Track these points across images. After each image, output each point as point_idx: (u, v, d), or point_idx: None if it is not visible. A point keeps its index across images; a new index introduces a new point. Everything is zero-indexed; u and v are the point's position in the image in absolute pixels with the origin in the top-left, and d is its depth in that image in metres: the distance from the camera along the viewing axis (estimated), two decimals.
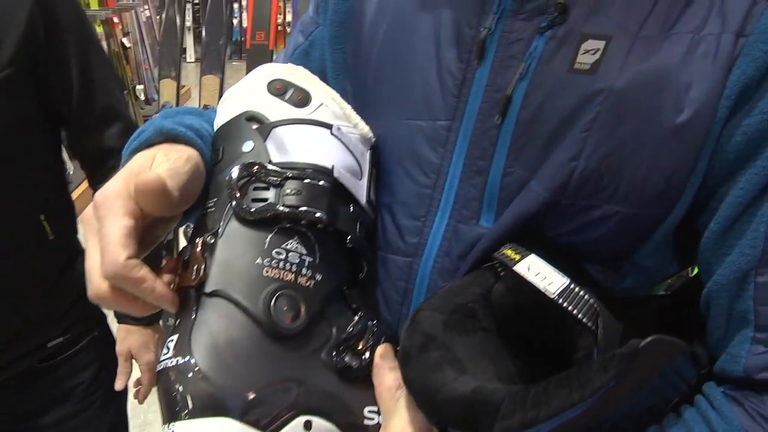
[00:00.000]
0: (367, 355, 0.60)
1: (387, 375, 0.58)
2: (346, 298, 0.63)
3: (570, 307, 0.49)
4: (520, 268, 0.52)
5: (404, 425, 0.56)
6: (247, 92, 0.65)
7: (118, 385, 1.30)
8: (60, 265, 1.15)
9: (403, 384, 0.57)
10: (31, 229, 1.08)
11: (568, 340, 0.51)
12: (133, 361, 1.33)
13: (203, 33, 2.98)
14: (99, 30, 4.24)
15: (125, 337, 1.31)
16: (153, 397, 1.30)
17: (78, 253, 1.21)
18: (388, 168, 0.66)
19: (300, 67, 0.67)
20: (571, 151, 0.55)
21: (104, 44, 4.22)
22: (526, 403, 0.47)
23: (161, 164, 0.54)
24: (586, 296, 0.50)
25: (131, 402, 1.42)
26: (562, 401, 0.47)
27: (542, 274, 0.51)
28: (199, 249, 0.58)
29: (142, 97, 5.01)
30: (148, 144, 0.58)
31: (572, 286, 0.50)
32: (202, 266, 0.57)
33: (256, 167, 0.58)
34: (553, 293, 0.50)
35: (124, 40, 4.69)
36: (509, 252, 0.55)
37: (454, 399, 0.49)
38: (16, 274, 1.07)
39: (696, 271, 0.65)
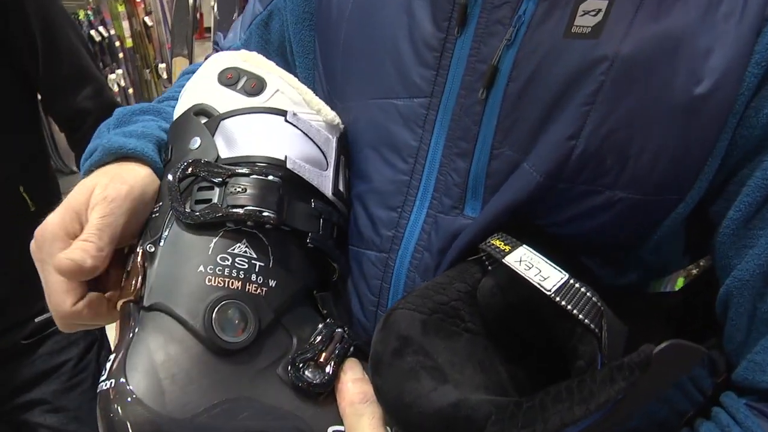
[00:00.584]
0: (331, 368, 0.53)
1: (351, 388, 0.51)
2: (316, 303, 0.57)
3: (569, 306, 0.42)
4: (511, 260, 0.45)
5: None
6: (198, 85, 0.60)
7: None
8: None
9: (368, 398, 0.51)
10: (10, 201, 1.06)
11: (568, 344, 0.43)
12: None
13: (215, 10, 2.92)
14: (121, 9, 4.12)
15: None
16: None
17: None
18: (361, 154, 0.59)
19: (254, 54, 0.61)
20: (569, 129, 0.47)
21: (126, 23, 4.13)
22: (518, 421, 0.40)
23: (96, 207, 0.51)
24: (588, 293, 0.42)
25: None
26: (562, 418, 0.39)
27: (536, 268, 0.44)
28: (139, 259, 0.52)
29: (165, 76, 4.93)
30: (99, 164, 0.56)
31: (572, 281, 0.43)
32: (139, 278, 0.51)
33: (197, 166, 0.53)
34: (550, 290, 0.42)
35: (147, 19, 4.59)
36: (498, 242, 0.47)
37: (431, 414, 0.41)
38: (2, 239, 1.05)
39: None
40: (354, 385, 0.51)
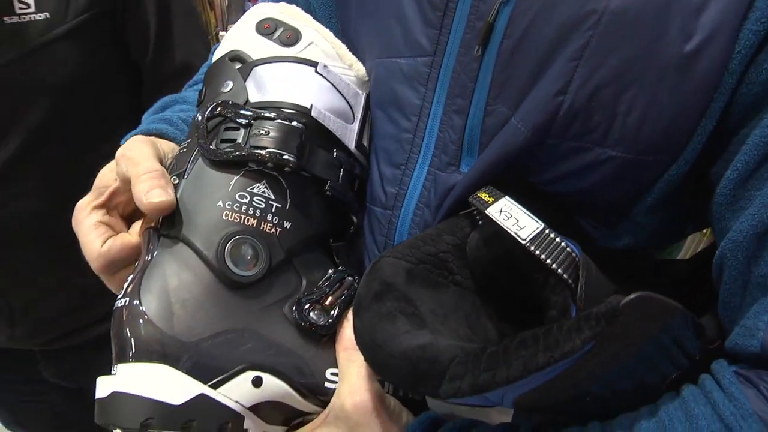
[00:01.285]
0: (336, 312, 0.54)
1: (348, 335, 0.53)
2: (331, 252, 0.58)
3: (543, 256, 0.42)
4: (492, 211, 0.45)
5: (351, 390, 0.51)
6: (236, 33, 0.62)
7: None
8: None
9: None
10: None
11: (542, 294, 0.44)
12: None
13: None
14: None
15: None
16: None
17: None
18: (372, 111, 0.60)
19: (293, 6, 0.63)
20: (557, 84, 0.47)
21: None
22: (480, 364, 0.40)
23: (124, 162, 0.56)
24: (562, 244, 0.42)
25: None
26: (525, 363, 0.40)
27: (514, 218, 0.44)
28: None
29: None
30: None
31: (547, 231, 0.43)
32: None
33: (225, 107, 0.55)
34: (525, 239, 0.43)
35: None
36: (483, 195, 0.48)
37: (398, 354, 0.42)
38: None
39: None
40: (351, 332, 0.53)
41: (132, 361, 0.50)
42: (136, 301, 0.50)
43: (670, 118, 0.45)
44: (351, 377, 0.52)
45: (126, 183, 0.55)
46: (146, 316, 0.50)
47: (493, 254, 0.49)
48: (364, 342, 0.45)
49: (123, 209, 0.60)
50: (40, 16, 0.87)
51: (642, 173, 0.48)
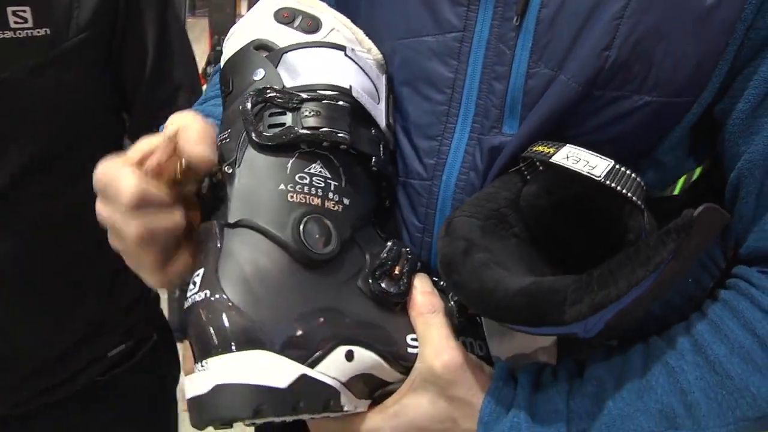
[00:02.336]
0: (405, 280, 0.57)
1: (421, 300, 0.56)
2: (375, 226, 0.61)
3: (619, 188, 0.47)
4: (559, 158, 0.50)
5: (436, 352, 0.54)
6: (253, 23, 0.62)
7: None
8: (115, 262, 1.07)
9: (436, 309, 0.56)
10: (85, 229, 0.96)
11: (618, 222, 0.49)
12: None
13: None
14: None
15: None
16: None
17: None
18: (397, 90, 0.62)
19: None
20: (603, 41, 0.52)
21: None
22: (593, 286, 0.45)
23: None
24: (633, 175, 0.48)
25: None
26: (628, 279, 0.45)
27: (584, 160, 0.49)
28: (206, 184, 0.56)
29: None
30: None
31: (617, 166, 0.48)
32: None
33: (270, 92, 0.55)
34: (599, 176, 0.48)
35: None
36: (541, 148, 0.53)
37: (516, 292, 0.46)
38: (74, 270, 0.99)
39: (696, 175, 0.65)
40: (423, 297, 0.56)
41: (225, 352, 0.50)
42: (218, 293, 0.50)
43: (695, 63, 0.52)
44: (432, 340, 0.55)
45: (170, 141, 0.53)
46: (231, 305, 0.50)
47: (552, 201, 0.54)
48: (472, 292, 0.49)
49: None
50: (39, 32, 0.80)
51: (670, 114, 0.54)
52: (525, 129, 0.56)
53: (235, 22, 0.66)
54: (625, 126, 0.55)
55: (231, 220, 0.53)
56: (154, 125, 1.07)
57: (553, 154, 0.51)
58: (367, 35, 0.64)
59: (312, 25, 0.60)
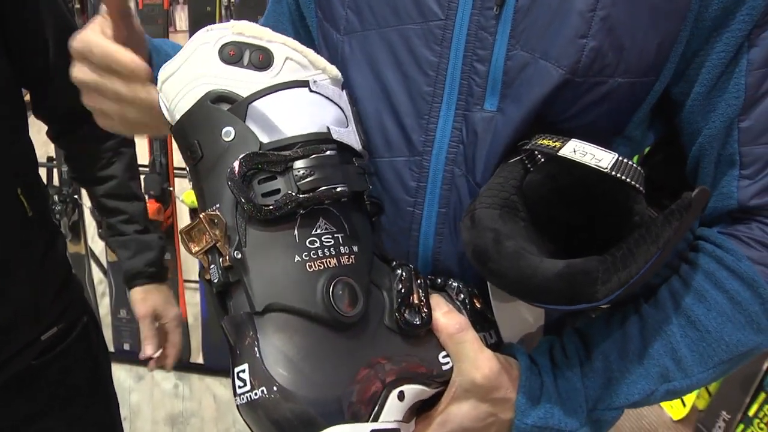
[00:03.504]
0: (425, 307, 0.60)
1: (446, 322, 0.61)
2: (375, 249, 0.63)
3: (625, 177, 0.54)
4: (566, 152, 0.57)
5: (475, 366, 0.60)
6: (198, 65, 0.57)
7: (149, 351, 1.24)
8: (43, 245, 1.06)
9: (463, 327, 0.61)
10: (9, 205, 0.97)
11: (624, 207, 0.56)
12: None
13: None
14: None
15: (144, 298, 1.24)
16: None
17: (57, 233, 1.13)
18: (383, 73, 0.66)
19: (245, 23, 0.59)
20: (579, 29, 0.59)
21: None
22: (618, 265, 0.52)
23: None
24: (634, 165, 0.55)
25: None
26: (645, 256, 0.53)
27: (590, 154, 0.56)
28: (205, 223, 0.55)
29: None
30: None
31: (620, 158, 0.55)
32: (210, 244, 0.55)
33: (254, 159, 0.53)
34: (606, 168, 0.55)
35: None
36: (546, 142, 0.59)
37: (553, 276, 0.53)
38: (2, 253, 0.97)
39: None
40: (447, 318, 0.61)
41: None
42: (272, 385, 0.52)
43: (656, 47, 0.60)
44: (468, 355, 0.61)
45: None
46: (288, 392, 0.52)
47: (557, 189, 0.60)
48: (511, 279, 0.54)
49: None
50: None
51: (639, 93, 0.62)
52: (517, 113, 0.62)
53: (167, 35, 0.65)
54: (603, 107, 0.62)
55: (259, 308, 0.53)
56: (62, 98, 1.07)
57: (560, 148, 0.57)
58: (349, 24, 0.66)
59: (264, 59, 0.57)
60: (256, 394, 0.52)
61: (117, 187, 1.22)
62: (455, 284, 0.66)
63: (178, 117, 0.58)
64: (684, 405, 1.98)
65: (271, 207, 0.53)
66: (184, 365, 2.64)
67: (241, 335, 0.54)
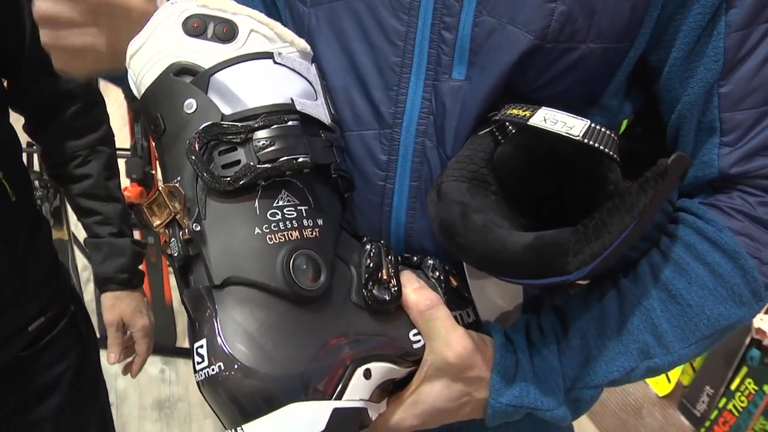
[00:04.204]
0: (394, 282, 0.59)
1: (416, 298, 0.59)
2: (344, 226, 0.61)
3: (597, 145, 0.52)
4: (536, 121, 0.54)
5: (446, 345, 0.58)
6: (161, 38, 0.56)
7: (111, 359, 1.22)
8: (27, 232, 1.04)
9: (434, 304, 0.59)
10: None
11: (597, 175, 0.55)
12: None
13: None
14: None
15: (113, 304, 1.22)
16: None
17: (42, 220, 1.11)
18: (350, 45, 0.64)
19: None
20: None
21: None
22: (590, 236, 0.50)
23: None
24: (608, 132, 0.53)
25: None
26: (618, 226, 0.51)
27: (561, 122, 0.54)
28: (164, 194, 0.54)
29: None
30: None
31: (593, 125, 0.53)
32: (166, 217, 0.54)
33: (213, 131, 0.52)
34: (578, 136, 0.52)
35: None
36: (516, 111, 0.56)
37: (522, 249, 0.51)
38: None
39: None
40: (417, 294, 0.59)
41: (259, 416, 0.50)
42: (230, 361, 0.50)
43: (629, 11, 0.57)
44: (439, 333, 0.59)
45: None
46: (249, 368, 0.50)
47: (528, 160, 0.58)
48: (478, 254, 0.52)
49: None
50: None
51: (613, 60, 0.60)
52: (485, 81, 0.59)
53: None
54: (575, 75, 0.60)
55: (217, 281, 0.52)
56: (41, 87, 1.07)
57: (530, 117, 0.55)
58: None
59: (228, 31, 0.55)
60: (213, 370, 0.51)
61: (92, 187, 1.20)
62: (431, 262, 0.64)
63: (143, 91, 0.57)
64: (669, 381, 1.98)
65: (229, 178, 0.52)
66: (169, 350, 2.63)
67: (200, 309, 0.53)
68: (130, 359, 1.29)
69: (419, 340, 0.60)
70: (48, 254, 1.12)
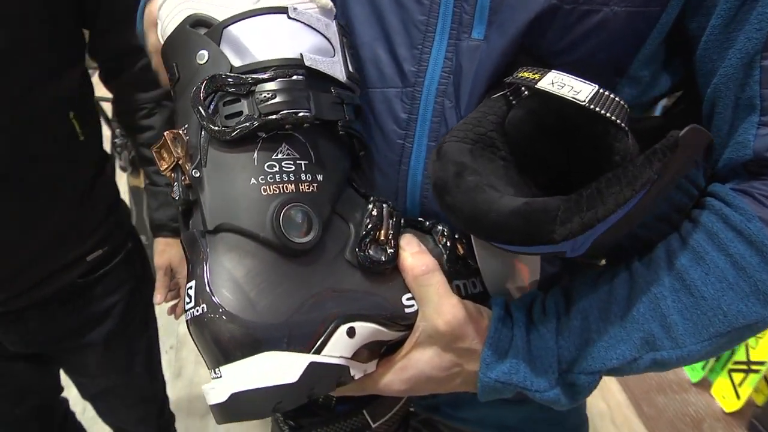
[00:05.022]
0: (392, 244, 0.58)
1: (413, 262, 0.58)
2: (353, 184, 0.61)
3: (603, 111, 0.49)
4: (544, 84, 0.52)
5: (437, 312, 0.57)
6: None
7: (158, 299, 1.29)
8: (92, 170, 1.13)
9: (430, 269, 0.57)
10: (61, 126, 1.03)
11: (603, 144, 0.51)
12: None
13: None
14: None
15: (164, 249, 1.29)
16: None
17: (107, 159, 1.20)
18: (380, 3, 0.63)
19: None
20: None
21: None
22: (582, 205, 0.48)
23: None
24: (616, 99, 0.50)
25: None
26: (616, 198, 0.47)
27: (568, 86, 0.51)
28: (168, 140, 0.55)
29: None
30: None
31: (601, 90, 0.50)
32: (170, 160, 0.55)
33: (218, 81, 0.53)
34: (584, 101, 0.50)
35: None
36: (526, 74, 0.54)
37: (509, 213, 0.48)
38: (52, 177, 1.03)
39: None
40: (415, 259, 0.58)
41: (235, 360, 0.51)
42: (214, 304, 0.51)
43: None
44: (431, 299, 0.57)
45: None
46: (231, 313, 0.51)
47: (539, 125, 0.56)
48: (465, 214, 0.51)
49: None
50: None
51: (640, 25, 0.56)
52: (500, 40, 0.57)
53: None
54: (598, 40, 0.56)
55: (210, 226, 0.53)
56: (113, 40, 1.13)
57: (539, 80, 0.52)
58: None
59: None
60: (198, 311, 0.52)
61: (154, 138, 1.25)
62: (440, 227, 0.63)
63: (164, 40, 0.59)
64: (738, 397, 1.87)
65: (228, 128, 0.53)
66: None
67: (194, 252, 0.54)
68: (176, 301, 1.36)
69: (412, 305, 0.58)
70: (109, 194, 1.19)
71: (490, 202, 0.50)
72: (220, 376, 0.52)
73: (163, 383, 1.51)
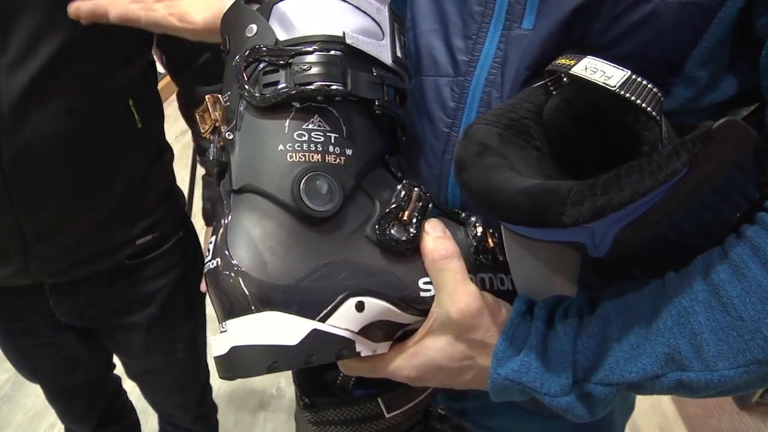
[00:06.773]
0: (416, 225, 0.58)
1: (433, 246, 0.57)
2: (390, 168, 0.61)
3: (633, 97, 0.47)
4: (578, 70, 0.50)
5: (452, 299, 0.55)
6: None
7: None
8: (149, 156, 1.17)
9: (449, 254, 0.56)
10: (120, 112, 1.08)
11: (633, 133, 0.49)
12: None
13: None
14: None
15: None
16: None
17: (165, 148, 1.23)
18: None
19: None
20: None
21: None
22: (597, 190, 0.45)
23: None
24: (649, 85, 0.47)
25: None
26: (635, 187, 0.44)
27: (600, 71, 0.49)
28: (209, 104, 0.59)
29: None
30: None
31: (633, 76, 0.48)
32: (212, 122, 0.59)
33: (259, 51, 0.55)
34: (615, 86, 0.48)
35: None
36: (563, 60, 0.52)
37: (519, 191, 0.47)
38: (108, 161, 1.08)
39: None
40: (436, 243, 0.57)
41: (241, 315, 0.53)
42: (228, 260, 0.53)
43: None
44: (447, 286, 0.56)
45: None
46: (242, 270, 0.53)
47: (574, 113, 0.54)
48: (477, 190, 0.49)
49: None
50: None
51: (696, 18, 0.52)
52: (544, 29, 0.56)
53: None
54: (648, 33, 0.54)
55: (236, 186, 0.55)
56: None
57: (573, 66, 0.51)
58: None
59: None
60: (213, 264, 0.55)
61: None
62: (473, 219, 0.62)
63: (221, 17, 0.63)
64: None
65: (263, 96, 0.55)
66: None
67: (217, 210, 0.57)
68: None
69: (429, 290, 0.57)
70: (164, 181, 1.22)
71: (503, 180, 0.48)
72: (226, 330, 0.54)
73: (207, 373, 1.53)
